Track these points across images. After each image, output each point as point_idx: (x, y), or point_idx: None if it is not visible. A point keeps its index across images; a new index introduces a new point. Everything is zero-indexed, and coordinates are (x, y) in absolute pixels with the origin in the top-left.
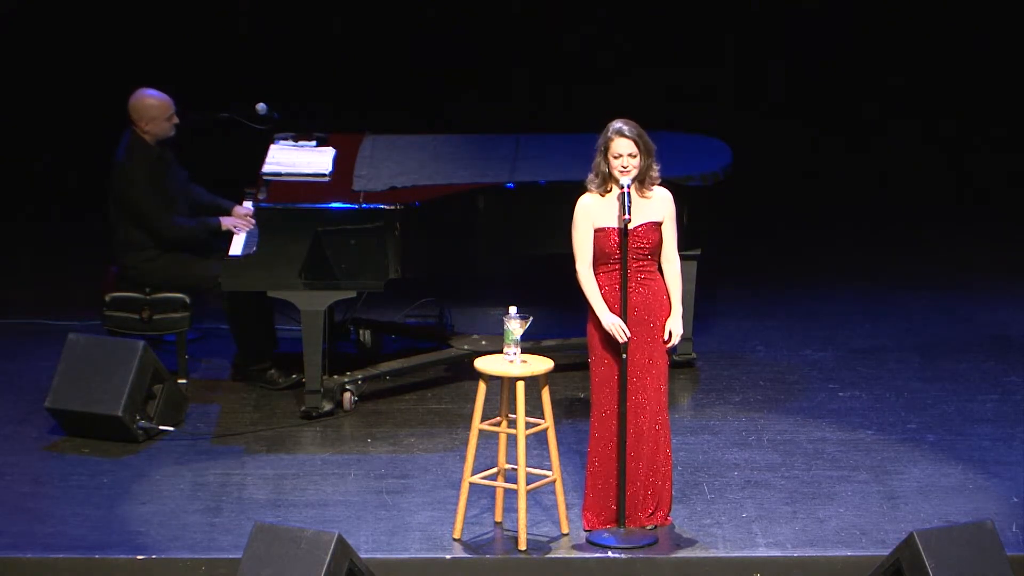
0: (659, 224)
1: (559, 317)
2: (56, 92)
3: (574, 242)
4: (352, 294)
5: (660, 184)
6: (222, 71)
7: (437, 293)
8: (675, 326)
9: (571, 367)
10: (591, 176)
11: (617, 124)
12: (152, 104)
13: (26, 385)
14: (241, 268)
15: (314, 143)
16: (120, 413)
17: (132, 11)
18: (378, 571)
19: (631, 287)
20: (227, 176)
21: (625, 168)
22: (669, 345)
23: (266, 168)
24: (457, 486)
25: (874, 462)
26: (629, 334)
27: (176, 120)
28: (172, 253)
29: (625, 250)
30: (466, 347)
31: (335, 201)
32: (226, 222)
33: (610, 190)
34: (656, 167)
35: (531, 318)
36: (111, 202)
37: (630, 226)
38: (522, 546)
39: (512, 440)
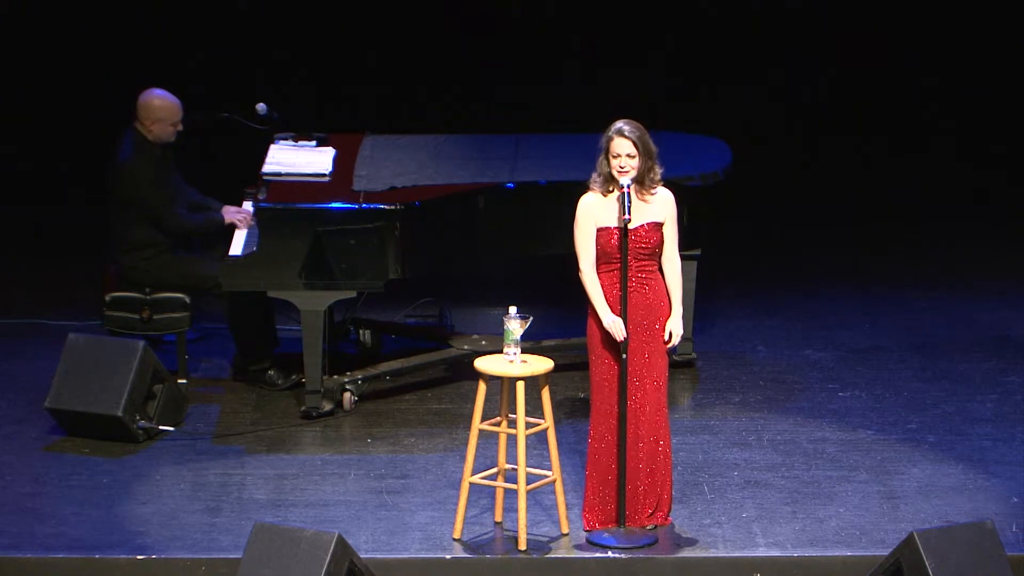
0: (660, 224)
1: (559, 317)
2: (56, 91)
3: (576, 242)
4: (352, 294)
5: (661, 185)
6: (222, 71)
7: (437, 293)
8: (675, 327)
9: (571, 367)
10: (594, 175)
11: (618, 124)
12: (162, 105)
13: (26, 385)
14: (241, 268)
15: (314, 143)
16: (120, 413)
17: (131, 10)
18: (378, 571)
19: (631, 287)
20: (227, 176)
21: (623, 168)
22: (669, 346)
23: (266, 168)
24: (457, 486)
25: (874, 462)
26: (626, 333)
27: (180, 128)
28: (172, 253)
29: (625, 250)
30: (466, 347)
31: (335, 201)
32: (227, 214)
33: (611, 190)
34: (658, 169)
35: (531, 318)
36: (112, 201)
37: (631, 226)
38: (522, 546)
39: (512, 440)
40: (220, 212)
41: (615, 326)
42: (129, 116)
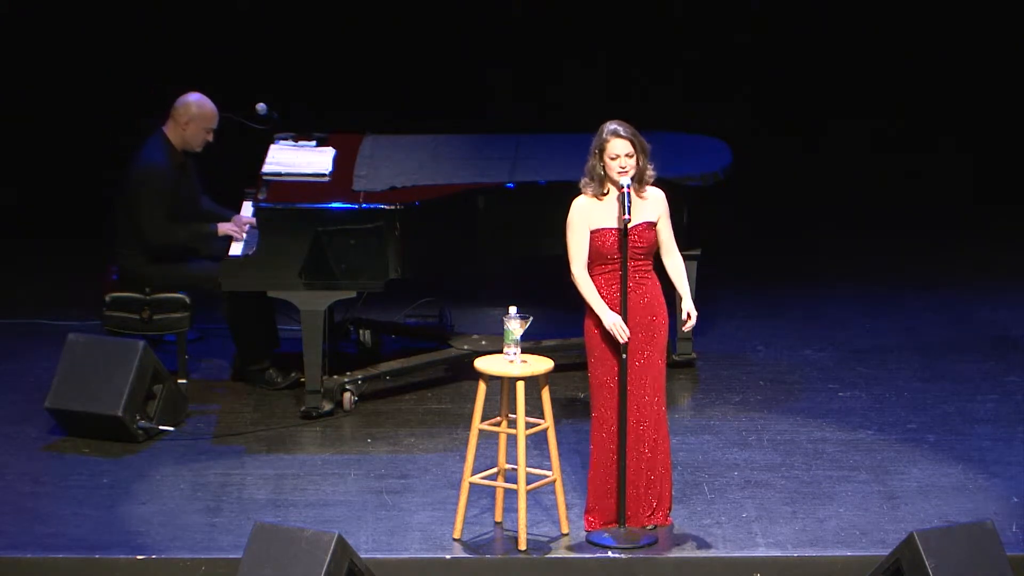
0: (654, 224)
1: (559, 317)
2: (56, 91)
3: (569, 244)
4: (352, 294)
5: (656, 183)
6: (222, 71)
7: (437, 293)
8: (689, 308)
9: (571, 367)
10: (585, 180)
11: (612, 126)
12: (200, 108)
13: (26, 385)
14: (241, 268)
15: (314, 143)
16: (120, 413)
17: (131, 10)
18: (378, 571)
19: (628, 287)
20: (227, 176)
21: (624, 169)
22: (687, 327)
23: (266, 168)
24: (457, 486)
25: (874, 462)
26: (629, 333)
27: (211, 138)
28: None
29: (625, 250)
30: (466, 347)
31: (335, 201)
32: (223, 227)
33: (607, 192)
34: (651, 167)
35: (531, 318)
36: (120, 200)
37: (628, 225)
38: (522, 546)
39: (512, 440)
40: (215, 224)
41: (616, 327)
42: (134, 117)
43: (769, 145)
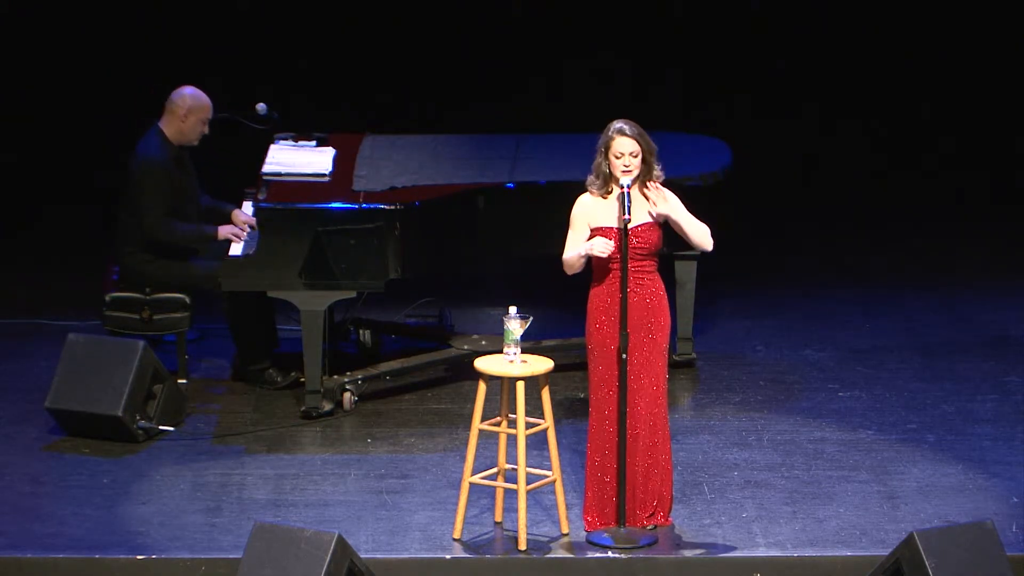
0: (657, 224)
1: (559, 317)
2: (56, 91)
3: (568, 239)
4: (352, 294)
5: (660, 183)
6: (222, 71)
7: (437, 293)
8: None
9: (571, 367)
10: (591, 177)
11: (618, 124)
12: (195, 101)
13: (26, 385)
14: (241, 268)
15: (314, 143)
16: (120, 413)
17: (131, 10)
18: (378, 571)
19: (629, 287)
20: (227, 176)
21: (627, 168)
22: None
23: (266, 168)
24: (457, 486)
25: (874, 462)
26: (613, 245)
27: (206, 130)
28: (170, 253)
29: (625, 250)
30: (466, 347)
31: (335, 201)
32: (223, 231)
33: (611, 191)
34: (658, 167)
35: (531, 318)
36: (122, 198)
37: (630, 225)
38: (522, 546)
39: (512, 440)
40: (215, 226)
41: (599, 243)
42: (133, 115)
43: (769, 145)
